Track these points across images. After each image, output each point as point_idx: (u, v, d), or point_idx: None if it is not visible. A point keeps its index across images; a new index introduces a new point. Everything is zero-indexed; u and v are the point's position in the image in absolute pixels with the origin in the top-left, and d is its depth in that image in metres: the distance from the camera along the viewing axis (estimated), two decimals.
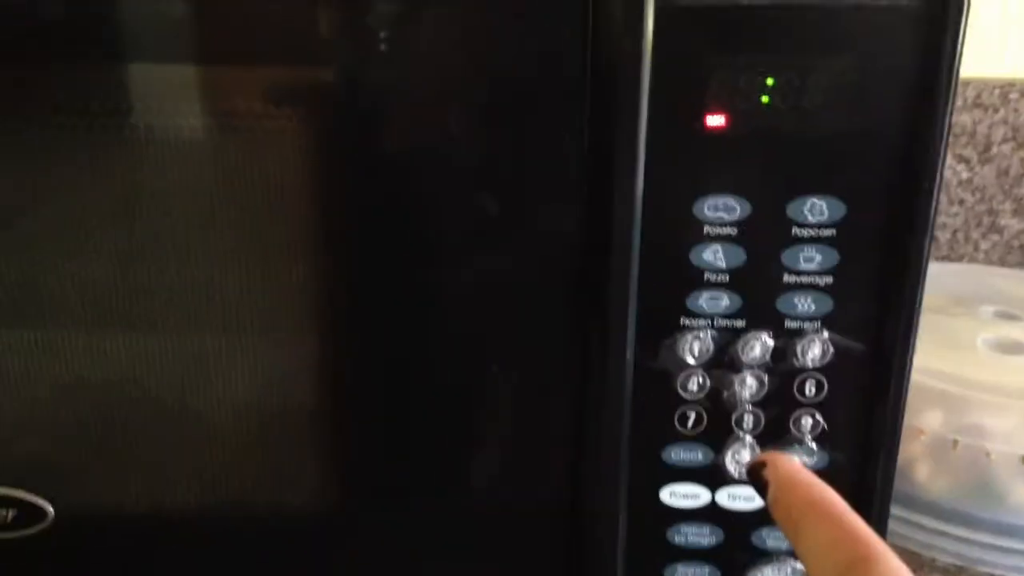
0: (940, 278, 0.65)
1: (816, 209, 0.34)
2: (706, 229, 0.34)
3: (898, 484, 0.49)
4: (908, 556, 0.52)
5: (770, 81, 0.32)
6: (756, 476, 0.28)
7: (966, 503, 0.53)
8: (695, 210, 0.34)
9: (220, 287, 0.37)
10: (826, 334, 0.35)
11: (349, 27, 0.34)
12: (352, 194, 0.36)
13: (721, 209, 0.34)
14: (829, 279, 0.34)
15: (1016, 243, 0.79)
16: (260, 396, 0.39)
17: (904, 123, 0.32)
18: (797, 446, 0.36)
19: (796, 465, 0.28)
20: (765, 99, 0.33)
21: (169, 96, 0.35)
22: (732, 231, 0.34)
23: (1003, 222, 0.79)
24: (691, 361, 0.35)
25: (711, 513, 0.37)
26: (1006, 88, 0.75)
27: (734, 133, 0.33)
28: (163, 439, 0.39)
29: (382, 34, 0.33)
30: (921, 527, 0.53)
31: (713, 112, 0.33)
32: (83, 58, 0.34)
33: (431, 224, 0.36)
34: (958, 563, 0.51)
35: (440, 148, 0.35)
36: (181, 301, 0.37)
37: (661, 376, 0.36)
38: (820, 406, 0.36)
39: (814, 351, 0.35)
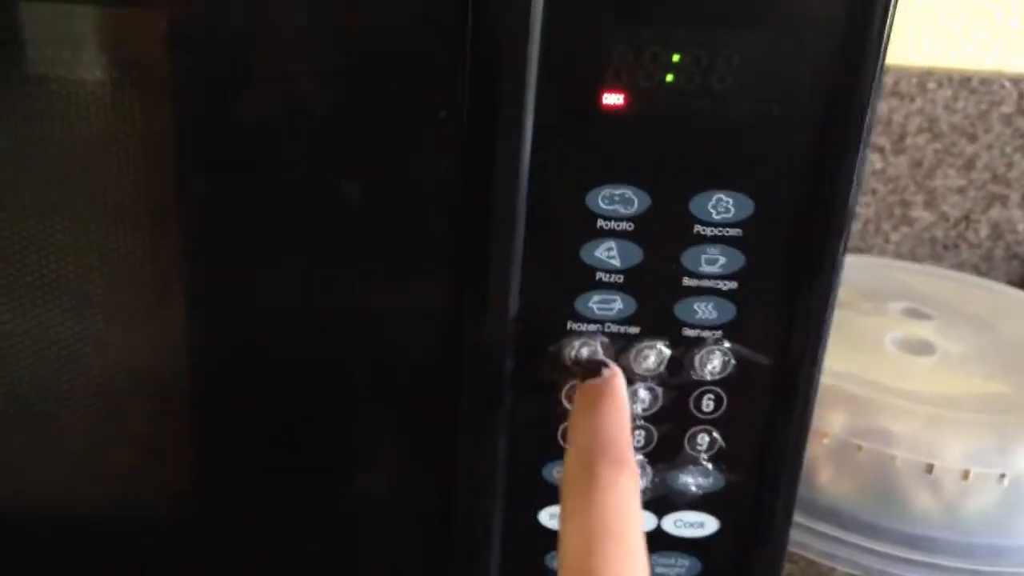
0: (848, 271, 0.63)
1: (722, 205, 0.30)
2: (599, 223, 0.30)
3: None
4: (806, 564, 0.50)
5: (676, 57, 0.28)
6: (591, 369, 0.30)
7: (868, 511, 0.51)
8: (588, 201, 0.30)
9: (76, 260, 0.33)
10: (727, 344, 0.31)
11: None
12: (213, 161, 0.32)
13: (617, 201, 0.30)
14: (733, 284, 0.31)
15: (927, 235, 0.78)
16: (111, 385, 0.34)
17: (822, 112, 0.28)
18: (691, 465, 0.33)
19: (616, 380, 0.30)
20: (669, 77, 0.29)
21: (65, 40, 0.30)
22: (628, 226, 0.30)
23: (914, 214, 0.78)
24: None
25: None
26: (924, 77, 0.73)
27: (634, 114, 0.29)
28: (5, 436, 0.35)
29: None
30: (820, 534, 0.51)
31: (611, 90, 0.29)
32: None
33: (291, 210, 0.32)
34: (857, 573, 0.49)
35: (303, 126, 0.30)
36: (31, 273, 0.33)
37: (543, 386, 0.32)
38: (718, 423, 0.32)
39: (713, 363, 0.31)
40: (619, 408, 0.29)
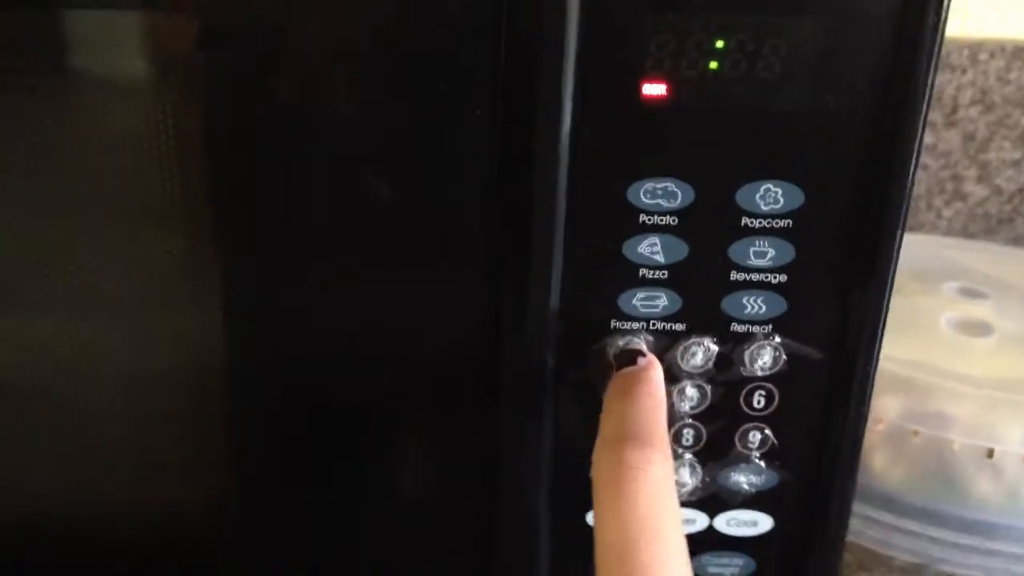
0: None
1: (770, 196, 0.29)
2: (642, 218, 0.29)
3: None
4: (863, 553, 0.49)
5: (720, 44, 0.27)
6: (626, 359, 0.30)
7: (925, 497, 0.50)
8: (630, 196, 0.29)
9: (104, 264, 0.33)
10: (778, 339, 0.30)
11: None
12: (248, 161, 0.31)
13: (660, 195, 0.29)
14: (783, 277, 0.30)
15: (980, 211, 0.76)
16: (148, 386, 0.35)
17: (876, 99, 0.27)
18: (743, 463, 0.32)
19: (652, 369, 0.29)
20: (713, 65, 0.28)
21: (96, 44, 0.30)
22: (672, 221, 0.29)
23: (967, 189, 0.76)
24: None
25: None
26: (975, 49, 0.71)
27: (676, 105, 0.28)
28: (47, 432, 0.36)
29: None
30: (876, 522, 0.50)
31: (652, 80, 0.28)
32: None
33: (326, 209, 0.31)
34: (917, 561, 0.48)
35: (337, 125, 0.30)
36: (72, 278, 0.33)
37: (588, 386, 0.31)
38: (769, 419, 0.31)
39: (764, 358, 0.31)
40: (652, 394, 0.28)
